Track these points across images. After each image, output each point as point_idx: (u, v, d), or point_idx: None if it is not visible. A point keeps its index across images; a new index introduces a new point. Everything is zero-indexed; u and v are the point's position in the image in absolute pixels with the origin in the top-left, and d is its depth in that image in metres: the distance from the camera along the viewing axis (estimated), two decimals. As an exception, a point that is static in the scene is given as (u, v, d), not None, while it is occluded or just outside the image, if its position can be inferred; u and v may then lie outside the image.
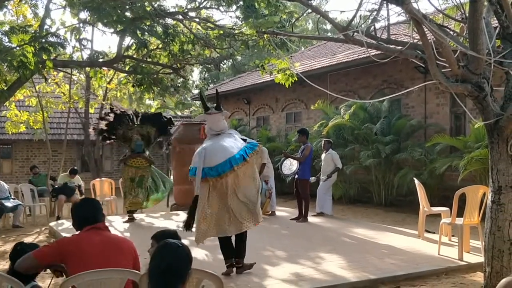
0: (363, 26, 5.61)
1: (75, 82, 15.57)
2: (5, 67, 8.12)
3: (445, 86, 5.04)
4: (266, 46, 9.96)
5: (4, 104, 11.26)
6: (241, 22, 9.67)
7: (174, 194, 12.36)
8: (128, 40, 10.31)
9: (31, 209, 11.70)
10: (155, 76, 10.86)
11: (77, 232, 3.41)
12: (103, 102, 16.67)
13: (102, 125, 10.62)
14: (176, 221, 10.33)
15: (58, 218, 10.92)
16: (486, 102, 5.02)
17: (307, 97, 16.64)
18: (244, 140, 6.17)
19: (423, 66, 5.32)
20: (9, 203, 10.43)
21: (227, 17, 65.21)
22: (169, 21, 9.93)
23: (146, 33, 9.08)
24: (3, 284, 3.29)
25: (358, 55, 13.67)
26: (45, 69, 8.70)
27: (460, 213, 6.79)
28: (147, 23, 8.90)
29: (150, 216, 10.58)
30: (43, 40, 7.88)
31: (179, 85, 12.13)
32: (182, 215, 9.67)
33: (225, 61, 12.50)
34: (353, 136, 13.15)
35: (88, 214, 3.43)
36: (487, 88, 5.00)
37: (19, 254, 3.49)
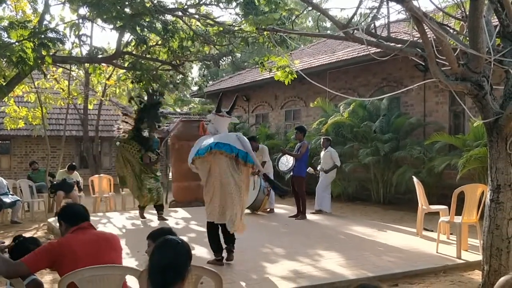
0: (363, 23, 5.61)
1: (74, 78, 15.54)
2: (4, 62, 8.11)
3: (445, 84, 5.04)
4: (266, 43, 9.95)
5: (3, 100, 11.24)
6: (241, 19, 9.65)
7: (173, 191, 12.35)
8: (127, 36, 10.30)
9: (29, 205, 11.70)
10: (154, 72, 10.83)
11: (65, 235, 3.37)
12: (102, 98, 16.64)
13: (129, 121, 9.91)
14: (175, 217, 10.34)
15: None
16: (485, 101, 5.03)
17: (306, 94, 16.63)
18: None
19: (423, 64, 5.31)
20: (7, 199, 10.43)
21: (227, 14, 65.19)
22: (169, 17, 9.91)
23: (146, 29, 9.04)
24: (1, 279, 3.29)
25: (358, 53, 13.66)
26: (44, 65, 8.69)
27: (458, 212, 6.80)
28: (147, 19, 8.87)
29: (149, 213, 10.57)
30: (42, 36, 7.85)
31: (178, 81, 12.09)
32: (181, 212, 9.69)
33: (224, 58, 12.48)
34: (352, 134, 13.16)
35: (75, 217, 3.40)
36: (487, 86, 5.00)
37: (19, 248, 3.49)
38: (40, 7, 9.86)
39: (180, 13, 9.92)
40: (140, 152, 9.61)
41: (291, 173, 10.35)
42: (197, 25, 10.63)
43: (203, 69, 32.10)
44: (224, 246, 6.28)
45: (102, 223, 9.74)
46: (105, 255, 3.24)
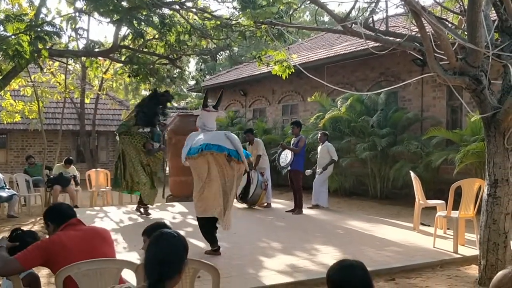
0: (361, 17, 5.59)
1: (71, 72, 15.47)
2: (0, 56, 8.05)
3: (443, 79, 5.03)
4: (264, 37, 9.91)
5: (-1, 94, 11.20)
6: (239, 12, 9.61)
7: (170, 185, 12.34)
8: (124, 30, 10.25)
9: (26, 199, 11.67)
10: (151, 66, 10.80)
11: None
12: (99, 92, 16.59)
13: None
14: (172, 212, 10.33)
15: (53, 208, 10.86)
16: (483, 95, 5.02)
17: (303, 89, 16.61)
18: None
19: (421, 58, 5.31)
20: (4, 193, 10.40)
21: (224, 8, 65.01)
22: (166, 11, 9.86)
23: (143, 23, 8.99)
24: None
25: (356, 47, 13.64)
26: (41, 59, 8.63)
27: (455, 206, 6.81)
28: (144, 13, 8.82)
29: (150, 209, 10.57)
30: (39, 29, 7.81)
31: (176, 76, 12.06)
32: (178, 206, 9.68)
33: (221, 52, 12.44)
34: (349, 129, 13.15)
35: (61, 216, 3.39)
36: (485, 81, 5.00)
37: (17, 241, 3.47)
38: (37, 0, 9.81)
39: (177, 7, 9.87)
40: (143, 139, 9.37)
41: (289, 167, 10.35)
42: (194, 19, 10.59)
43: (200, 63, 32.07)
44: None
45: (99, 217, 9.73)
46: (99, 250, 3.23)
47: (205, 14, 10.17)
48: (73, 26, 9.71)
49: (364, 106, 13.11)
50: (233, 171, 6.16)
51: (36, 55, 7.96)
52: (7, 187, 10.85)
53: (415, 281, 5.56)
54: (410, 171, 8.64)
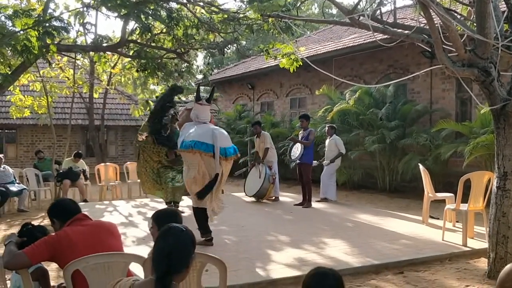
0: (369, 9, 5.56)
1: (79, 66, 15.52)
2: (9, 51, 8.08)
3: (452, 71, 4.99)
4: (271, 30, 9.87)
5: (9, 89, 11.25)
6: (246, 5, 9.57)
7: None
8: (132, 25, 10.25)
9: (36, 193, 11.77)
10: (159, 60, 10.79)
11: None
12: (108, 87, 16.64)
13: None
14: (180, 205, 10.36)
15: (63, 202, 10.93)
16: (492, 87, 4.98)
17: (311, 82, 16.56)
18: None
19: (430, 50, 5.26)
20: (14, 188, 10.49)
21: (231, 1, 64.81)
22: (173, 5, 9.85)
23: (150, 17, 8.99)
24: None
25: (364, 40, 13.56)
26: (49, 54, 8.66)
27: (464, 199, 6.77)
28: (151, 7, 8.82)
29: (155, 201, 10.61)
30: (47, 24, 7.82)
31: (183, 70, 12.05)
32: (186, 200, 9.70)
33: (229, 45, 12.39)
34: (358, 122, 13.10)
35: (66, 212, 3.39)
36: (494, 72, 4.95)
37: (27, 235, 3.50)
38: (45, -4, 9.82)
39: (184, 1, 9.86)
40: (164, 149, 9.08)
41: (298, 160, 10.33)
42: (202, 13, 10.56)
43: (208, 57, 32.04)
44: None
45: (108, 211, 9.79)
46: (106, 244, 3.24)
47: (213, 8, 10.14)
48: (81, 21, 9.71)
49: (373, 98, 13.05)
50: (219, 168, 6.38)
51: (44, 50, 7.98)
52: (17, 181, 10.95)
53: (424, 274, 5.54)
54: (419, 164, 8.60)
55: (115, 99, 20.18)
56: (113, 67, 15.03)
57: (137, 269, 3.65)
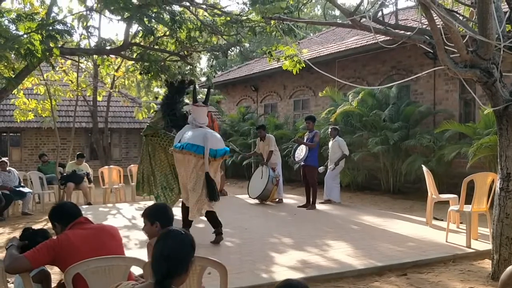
0: (371, 11, 5.55)
1: (83, 70, 15.57)
2: (12, 55, 8.12)
3: (454, 72, 4.98)
4: (274, 32, 9.88)
5: (13, 92, 11.29)
6: (248, 8, 9.59)
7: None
8: (135, 28, 10.27)
9: (40, 196, 11.79)
10: (163, 63, 10.81)
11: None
12: (111, 90, 16.67)
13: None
14: (179, 207, 10.35)
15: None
16: (495, 88, 4.96)
17: (315, 84, 16.55)
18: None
19: (432, 51, 5.25)
20: (23, 189, 10.59)
21: (234, 3, 64.84)
22: (176, 8, 9.87)
23: (153, 20, 9.00)
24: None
25: (367, 41, 13.55)
26: (53, 57, 8.69)
27: (468, 200, 6.75)
28: (154, 10, 8.84)
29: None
30: (50, 28, 7.85)
31: (187, 72, 12.06)
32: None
33: (232, 48, 12.40)
34: (361, 123, 13.08)
35: (67, 215, 3.40)
36: (496, 73, 4.94)
37: (27, 240, 3.50)
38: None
39: (187, 3, 9.87)
40: (172, 142, 8.22)
41: (302, 162, 10.32)
42: (205, 15, 10.58)
43: (211, 59, 32.07)
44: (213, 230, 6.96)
45: (111, 214, 9.81)
46: (107, 247, 3.24)
47: (215, 10, 10.15)
48: (84, 24, 9.75)
49: (376, 100, 13.03)
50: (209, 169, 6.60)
51: (47, 53, 8.02)
52: (22, 184, 10.98)
53: (427, 276, 5.52)
54: (423, 165, 8.58)
55: (119, 102, 20.19)
56: (116, 70, 15.06)
57: (137, 272, 3.64)
